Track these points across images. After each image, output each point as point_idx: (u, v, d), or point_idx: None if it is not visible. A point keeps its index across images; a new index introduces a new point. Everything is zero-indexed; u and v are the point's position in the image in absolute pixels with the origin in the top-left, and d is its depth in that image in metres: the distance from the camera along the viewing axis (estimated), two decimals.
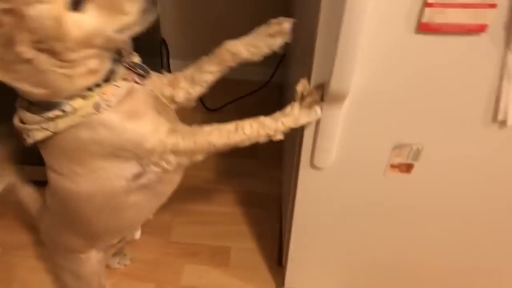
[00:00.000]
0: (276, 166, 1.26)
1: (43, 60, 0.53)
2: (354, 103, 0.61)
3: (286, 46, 0.63)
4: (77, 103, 0.58)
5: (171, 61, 1.53)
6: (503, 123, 0.62)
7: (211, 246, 1.11)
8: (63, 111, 0.58)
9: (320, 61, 0.57)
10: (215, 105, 1.44)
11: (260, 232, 1.17)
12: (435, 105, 0.61)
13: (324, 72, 0.57)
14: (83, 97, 0.58)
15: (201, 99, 1.34)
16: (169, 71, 1.39)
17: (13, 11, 0.49)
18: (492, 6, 0.50)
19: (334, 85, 0.56)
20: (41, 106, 0.58)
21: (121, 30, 0.55)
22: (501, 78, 0.57)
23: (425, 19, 0.51)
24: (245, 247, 1.14)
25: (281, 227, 1.11)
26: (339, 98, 0.59)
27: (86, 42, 0.54)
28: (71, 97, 0.58)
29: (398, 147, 0.66)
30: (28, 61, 0.53)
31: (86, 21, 0.53)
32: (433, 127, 0.64)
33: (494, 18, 0.51)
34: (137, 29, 0.56)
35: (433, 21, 0.52)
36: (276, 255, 1.12)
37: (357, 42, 0.52)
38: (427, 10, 0.50)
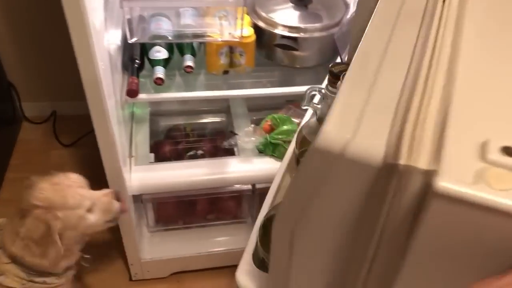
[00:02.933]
0: None
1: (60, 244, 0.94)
2: None
3: None
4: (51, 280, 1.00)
5: (23, 104, 1.90)
6: None
7: None
8: (45, 282, 0.98)
9: None
10: (70, 140, 1.83)
11: (110, 253, 1.45)
12: None
13: None
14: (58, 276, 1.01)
15: (56, 136, 1.88)
16: (22, 114, 1.86)
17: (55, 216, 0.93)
18: None
19: None
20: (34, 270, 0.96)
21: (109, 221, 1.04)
22: None
23: None
24: (97, 268, 1.40)
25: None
26: None
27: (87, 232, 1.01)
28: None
29: None
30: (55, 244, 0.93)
31: (92, 218, 0.99)
32: None
33: None
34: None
35: None
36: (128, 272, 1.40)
37: None
38: None
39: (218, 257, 1.42)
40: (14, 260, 0.95)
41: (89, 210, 0.98)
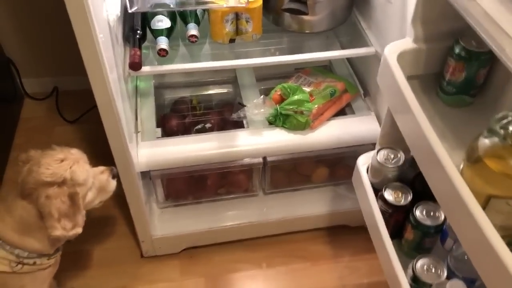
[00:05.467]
0: None
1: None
2: None
3: None
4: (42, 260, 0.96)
5: (23, 80, 1.85)
6: None
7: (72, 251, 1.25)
8: (35, 263, 0.94)
9: None
10: (74, 116, 1.79)
11: (120, 230, 1.45)
12: None
13: None
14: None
15: (60, 112, 1.83)
16: (23, 90, 1.81)
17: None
18: None
19: None
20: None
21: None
22: None
23: None
24: (107, 247, 1.41)
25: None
26: None
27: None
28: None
29: None
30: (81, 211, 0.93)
31: (89, 196, 0.98)
32: None
33: None
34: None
35: None
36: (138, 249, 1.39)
37: None
38: None
39: (230, 232, 1.40)
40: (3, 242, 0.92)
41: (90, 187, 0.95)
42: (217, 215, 1.39)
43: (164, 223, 1.37)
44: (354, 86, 1.35)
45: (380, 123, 1.25)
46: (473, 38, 0.78)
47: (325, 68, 1.41)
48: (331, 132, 1.25)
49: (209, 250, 1.42)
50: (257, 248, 1.42)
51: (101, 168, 1.00)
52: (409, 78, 0.84)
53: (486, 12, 0.67)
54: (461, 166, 0.71)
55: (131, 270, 1.38)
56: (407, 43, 0.88)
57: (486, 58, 0.80)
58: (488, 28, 0.66)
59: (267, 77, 1.45)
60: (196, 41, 1.13)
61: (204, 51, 1.28)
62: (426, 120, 0.76)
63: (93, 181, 0.95)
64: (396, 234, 0.98)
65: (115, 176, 1.02)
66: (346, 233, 1.45)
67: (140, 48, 1.12)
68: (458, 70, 0.82)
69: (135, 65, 1.09)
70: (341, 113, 1.32)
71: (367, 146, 1.27)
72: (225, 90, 1.52)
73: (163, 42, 1.11)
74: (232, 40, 1.21)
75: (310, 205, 1.42)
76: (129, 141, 1.10)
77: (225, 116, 1.41)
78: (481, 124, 0.85)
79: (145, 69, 1.13)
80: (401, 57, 0.85)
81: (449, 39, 0.83)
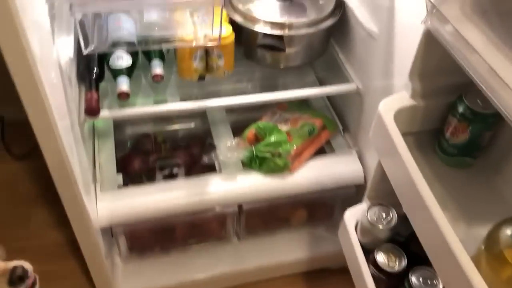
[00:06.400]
0: None
1: None
2: None
3: None
4: None
5: None
6: None
7: None
8: None
9: None
10: (23, 151, 1.57)
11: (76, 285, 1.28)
12: None
13: None
14: None
15: (6, 148, 1.64)
16: None
17: None
18: None
19: None
20: None
21: None
22: None
23: None
24: None
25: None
26: None
27: None
28: None
29: None
30: None
31: None
32: None
33: None
34: None
35: None
36: None
37: None
38: None
39: (203, 283, 1.27)
40: None
41: None
42: (187, 266, 1.26)
43: (129, 278, 1.23)
44: (332, 122, 1.27)
45: (362, 162, 1.17)
46: (479, 96, 0.70)
47: (302, 103, 1.32)
48: (312, 175, 1.15)
49: None
50: None
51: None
52: (404, 134, 0.76)
53: (491, 68, 0.59)
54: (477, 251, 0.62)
55: None
56: (403, 99, 0.80)
57: (493, 121, 0.72)
58: (494, 86, 0.58)
59: (238, 110, 1.34)
60: (161, 80, 1.01)
61: (171, 87, 1.16)
62: (429, 190, 0.66)
63: None
64: None
65: (15, 281, 0.76)
66: (327, 276, 1.35)
67: (97, 89, 0.99)
68: (461, 131, 0.74)
69: (92, 111, 0.96)
70: (320, 151, 1.23)
71: (350, 188, 1.19)
72: (192, 125, 1.40)
73: (123, 84, 0.98)
74: (201, 78, 1.10)
75: (288, 249, 1.32)
76: (86, 194, 0.96)
77: (194, 153, 1.29)
78: (483, 188, 0.78)
79: (104, 114, 1.00)
80: (398, 114, 0.76)
81: (450, 95, 0.75)
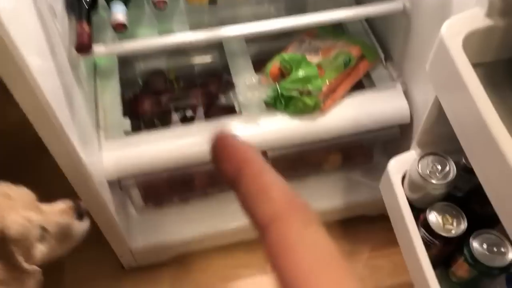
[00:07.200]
0: None
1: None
2: None
3: None
4: None
5: None
6: None
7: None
8: None
9: None
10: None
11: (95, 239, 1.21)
12: None
13: None
14: None
15: None
16: None
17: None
18: None
19: None
20: None
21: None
22: None
23: None
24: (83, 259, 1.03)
25: None
26: None
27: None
28: None
29: None
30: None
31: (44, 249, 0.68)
32: None
33: None
34: None
35: None
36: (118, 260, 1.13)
37: None
38: None
39: (227, 233, 1.17)
40: None
41: (41, 238, 0.68)
42: (209, 215, 1.15)
43: (146, 232, 1.13)
44: (372, 50, 1.06)
45: (407, 98, 0.99)
46: None
47: (335, 28, 1.11)
48: (348, 114, 0.98)
49: (203, 255, 1.19)
50: (261, 250, 1.19)
51: (60, 206, 0.72)
52: (474, 65, 0.58)
53: None
54: None
55: (110, 285, 1.16)
56: (476, 18, 0.60)
57: None
58: None
59: (259, 39, 1.15)
60: (165, 6, 0.83)
61: (178, 15, 0.98)
62: (506, 132, 0.53)
63: (44, 229, 0.68)
64: (440, 263, 0.75)
65: (83, 214, 0.75)
66: (364, 224, 1.22)
67: (89, 21, 0.82)
68: None
69: (82, 46, 0.80)
70: (358, 85, 1.04)
71: (393, 129, 1.01)
72: (208, 59, 1.22)
73: (119, 13, 0.81)
74: (213, 1, 0.90)
75: (320, 196, 1.18)
76: (84, 144, 0.82)
77: (211, 92, 1.13)
78: None
79: (99, 49, 0.84)
80: (468, 39, 0.58)
81: None
